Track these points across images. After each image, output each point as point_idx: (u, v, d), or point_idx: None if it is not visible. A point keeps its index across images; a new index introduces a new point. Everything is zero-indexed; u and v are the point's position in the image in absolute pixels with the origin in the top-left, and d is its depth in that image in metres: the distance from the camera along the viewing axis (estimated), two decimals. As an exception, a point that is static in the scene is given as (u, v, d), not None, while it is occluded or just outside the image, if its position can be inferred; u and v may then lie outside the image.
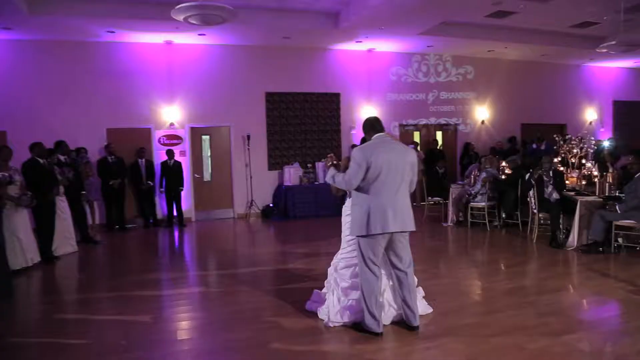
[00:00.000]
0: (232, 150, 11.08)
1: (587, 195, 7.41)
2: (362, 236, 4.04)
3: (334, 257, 4.67)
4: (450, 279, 5.90)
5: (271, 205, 11.15)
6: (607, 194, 7.29)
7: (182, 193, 10.33)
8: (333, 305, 4.35)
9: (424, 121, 12.59)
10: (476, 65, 12.77)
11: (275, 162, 11.41)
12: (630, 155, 7.05)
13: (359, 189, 4.03)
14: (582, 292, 5.35)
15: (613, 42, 8.73)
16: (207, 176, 11.18)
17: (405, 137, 12.52)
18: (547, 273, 6.04)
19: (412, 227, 4.10)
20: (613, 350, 3.76)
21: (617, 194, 7.21)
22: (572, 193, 7.56)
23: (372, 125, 4.23)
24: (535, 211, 7.67)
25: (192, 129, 10.79)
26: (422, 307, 4.48)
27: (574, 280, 5.84)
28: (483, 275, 6.08)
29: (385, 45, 11.48)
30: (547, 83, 13.65)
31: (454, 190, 9.41)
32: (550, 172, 7.63)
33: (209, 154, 11.17)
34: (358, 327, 4.17)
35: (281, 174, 11.34)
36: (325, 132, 11.73)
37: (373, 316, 4.07)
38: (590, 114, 14.25)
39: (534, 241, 7.61)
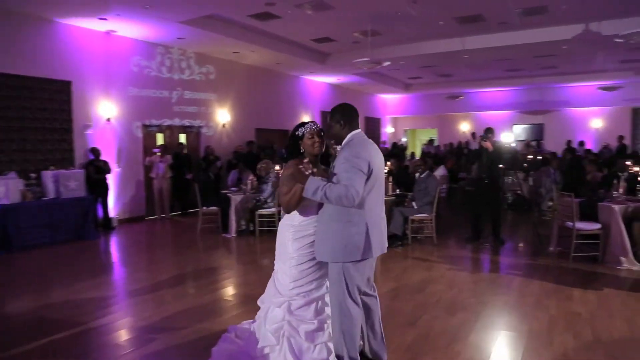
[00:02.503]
0: None
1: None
2: (353, 262, 3.08)
3: (269, 298, 3.46)
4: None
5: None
6: (397, 193, 8.07)
7: None
8: None
9: (168, 122, 11.16)
10: (217, 66, 12.20)
11: (-23, 171, 7.94)
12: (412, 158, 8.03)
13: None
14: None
15: (366, 59, 9.78)
16: None
17: (150, 140, 10.81)
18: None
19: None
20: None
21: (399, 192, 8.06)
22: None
23: (353, 117, 3.27)
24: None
25: None
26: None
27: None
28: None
29: (128, 29, 9.57)
30: (276, 90, 14.34)
31: (236, 198, 8.62)
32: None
33: None
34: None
35: (-11, 189, 7.93)
36: (53, 132, 8.88)
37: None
38: (305, 122, 15.72)
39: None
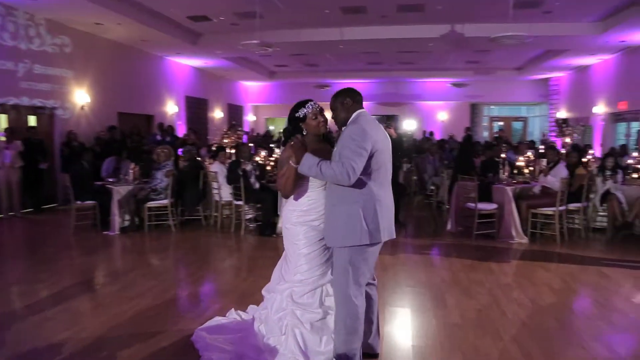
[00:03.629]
0: None
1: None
2: (358, 246, 2.88)
3: (274, 285, 3.23)
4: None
5: None
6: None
7: None
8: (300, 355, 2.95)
9: (13, 100, 9.26)
10: (74, 38, 10.51)
11: None
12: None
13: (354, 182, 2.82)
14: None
15: (256, 41, 9.32)
16: None
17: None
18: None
19: None
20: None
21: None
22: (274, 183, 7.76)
23: (358, 99, 3.11)
24: (241, 202, 7.31)
25: None
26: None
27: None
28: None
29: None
30: (139, 71, 12.97)
31: (119, 190, 7.52)
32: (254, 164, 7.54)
33: None
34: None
35: None
36: None
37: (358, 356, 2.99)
38: (171, 107, 14.54)
39: (243, 234, 7.32)
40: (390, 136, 7.46)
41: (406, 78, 18.72)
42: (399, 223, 7.77)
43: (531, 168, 7.58)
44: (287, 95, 20.79)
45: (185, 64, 15.30)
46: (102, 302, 4.43)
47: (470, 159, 7.91)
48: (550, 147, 7.90)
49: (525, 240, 6.75)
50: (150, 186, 7.53)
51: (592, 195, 7.23)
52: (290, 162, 2.90)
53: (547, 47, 12.22)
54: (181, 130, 14.36)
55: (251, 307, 4.03)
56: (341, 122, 3.08)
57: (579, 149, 7.69)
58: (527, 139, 17.03)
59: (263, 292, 3.38)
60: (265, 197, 7.31)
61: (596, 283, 5.15)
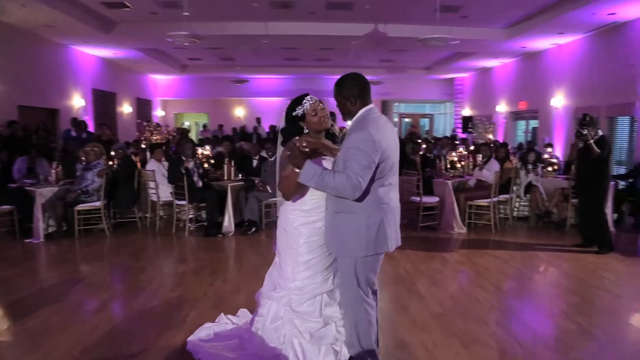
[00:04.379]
0: None
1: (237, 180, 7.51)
2: (365, 256, 2.75)
3: (268, 292, 3.05)
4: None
5: None
6: (247, 177, 7.67)
7: None
8: None
9: None
10: (-33, 21, 9.22)
11: None
12: None
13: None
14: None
15: (185, 33, 8.87)
16: None
17: None
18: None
19: None
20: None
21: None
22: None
23: (367, 91, 2.84)
24: (184, 202, 6.95)
25: None
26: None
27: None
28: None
29: None
30: (42, 61, 11.69)
31: (42, 192, 6.77)
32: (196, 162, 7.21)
33: None
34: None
35: None
36: None
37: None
38: (77, 100, 13.31)
39: (187, 235, 6.97)
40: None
41: (321, 75, 18.97)
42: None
43: (463, 163, 8.11)
44: (200, 89, 20.10)
45: (92, 54, 14.07)
46: (61, 321, 3.96)
47: (404, 154, 8.27)
48: (484, 143, 8.52)
49: (464, 230, 7.22)
50: (80, 187, 6.87)
51: (515, 187, 7.93)
52: (291, 165, 2.66)
53: (461, 50, 13.08)
54: (89, 126, 13.21)
55: (242, 311, 3.88)
56: (346, 114, 2.87)
57: (506, 145, 8.36)
58: (433, 135, 18.21)
59: (256, 297, 3.20)
60: (209, 196, 7.02)
61: (538, 265, 5.69)
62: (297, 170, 2.60)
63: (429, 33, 9.34)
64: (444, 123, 21.19)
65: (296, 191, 2.82)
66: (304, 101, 2.91)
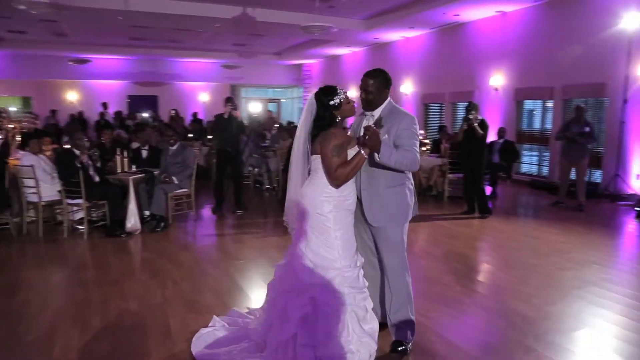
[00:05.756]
0: None
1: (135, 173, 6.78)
2: (409, 221, 3.26)
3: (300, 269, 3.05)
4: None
5: None
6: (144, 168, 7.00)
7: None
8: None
9: None
10: None
11: None
12: None
13: None
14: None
15: (45, 0, 7.61)
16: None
17: None
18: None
19: None
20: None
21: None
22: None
23: (390, 84, 3.22)
24: (79, 201, 6.09)
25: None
26: None
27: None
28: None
29: None
30: None
31: None
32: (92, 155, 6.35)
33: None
34: (397, 349, 3.22)
35: None
36: None
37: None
38: None
39: (86, 237, 6.14)
40: (236, 118, 7.47)
41: (167, 57, 17.84)
42: (243, 206, 7.82)
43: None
44: (21, 69, 17.06)
45: None
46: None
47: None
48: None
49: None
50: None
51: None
52: (362, 151, 2.86)
53: (320, 37, 13.60)
54: None
55: (234, 310, 3.73)
56: (374, 105, 3.14)
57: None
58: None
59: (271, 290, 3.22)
60: (111, 192, 6.29)
61: (443, 229, 6.55)
62: (366, 156, 2.88)
63: (296, 20, 9.62)
64: (291, 108, 21.87)
65: (353, 175, 2.99)
66: (339, 91, 3.02)
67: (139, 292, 4.35)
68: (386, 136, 3.00)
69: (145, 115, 17.31)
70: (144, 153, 7.48)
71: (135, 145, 7.97)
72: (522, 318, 3.75)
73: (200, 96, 19.63)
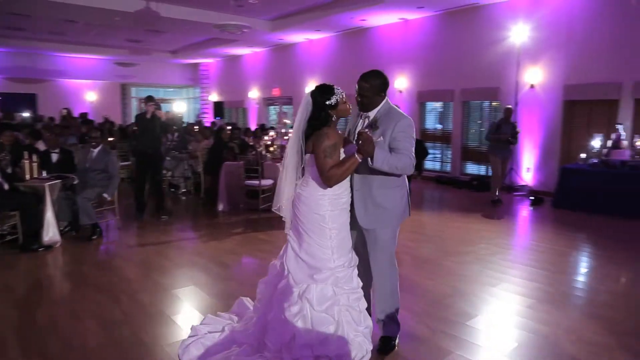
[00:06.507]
0: None
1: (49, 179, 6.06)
2: (401, 222, 3.31)
3: (303, 279, 3.07)
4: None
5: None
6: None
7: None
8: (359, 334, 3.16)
9: None
10: None
11: None
12: None
13: None
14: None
15: None
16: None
17: None
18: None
19: None
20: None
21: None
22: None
23: (387, 86, 3.22)
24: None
25: None
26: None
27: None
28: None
29: None
30: None
31: None
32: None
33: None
34: (388, 345, 3.33)
35: None
36: None
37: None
38: None
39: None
40: (160, 118, 7.15)
41: (49, 51, 16.13)
42: (166, 210, 7.47)
43: (275, 146, 8.67)
44: None
45: None
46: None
47: (223, 143, 8.29)
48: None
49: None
50: None
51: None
52: (356, 155, 2.86)
53: (227, 37, 13.28)
54: None
55: (209, 317, 3.59)
56: (370, 107, 3.13)
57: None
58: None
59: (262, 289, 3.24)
60: (25, 202, 5.59)
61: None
62: (360, 160, 2.88)
63: (204, 17, 9.38)
64: (188, 108, 21.02)
65: (346, 177, 3.00)
66: (336, 90, 3.00)
67: (92, 309, 3.96)
68: (381, 138, 3.00)
69: (26, 115, 15.48)
70: (54, 157, 6.74)
71: (41, 147, 7.14)
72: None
73: (88, 95, 18.05)
